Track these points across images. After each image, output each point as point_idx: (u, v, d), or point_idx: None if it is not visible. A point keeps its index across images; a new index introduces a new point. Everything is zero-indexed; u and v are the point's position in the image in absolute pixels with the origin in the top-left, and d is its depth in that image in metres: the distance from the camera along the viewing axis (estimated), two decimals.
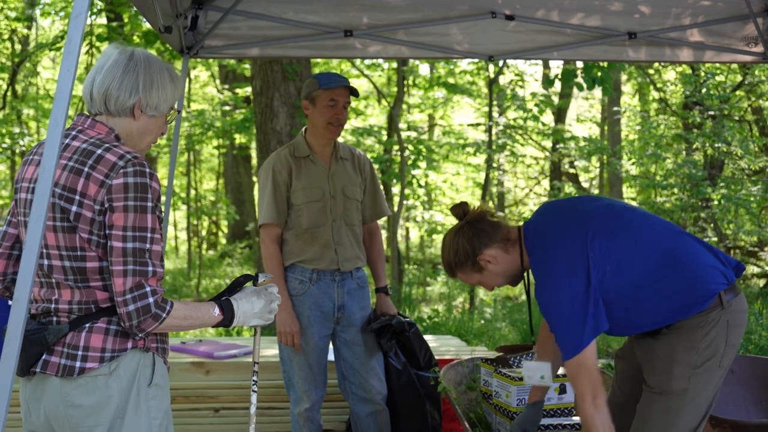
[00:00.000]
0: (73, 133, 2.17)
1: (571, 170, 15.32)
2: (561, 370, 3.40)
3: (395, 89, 12.67)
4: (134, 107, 2.20)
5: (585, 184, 15.96)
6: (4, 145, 12.17)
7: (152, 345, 2.19)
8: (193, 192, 14.44)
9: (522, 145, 15.04)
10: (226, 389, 4.43)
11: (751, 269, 12.05)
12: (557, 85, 10.08)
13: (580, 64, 7.48)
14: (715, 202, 10.92)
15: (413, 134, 13.19)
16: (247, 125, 11.08)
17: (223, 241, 17.55)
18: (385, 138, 12.32)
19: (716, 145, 10.78)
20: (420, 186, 14.28)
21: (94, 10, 9.84)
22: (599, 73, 7.45)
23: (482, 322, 9.51)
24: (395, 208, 11.48)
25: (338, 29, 4.22)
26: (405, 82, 12.69)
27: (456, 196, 16.49)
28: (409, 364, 4.05)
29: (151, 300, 2.05)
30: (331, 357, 3.98)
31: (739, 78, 11.72)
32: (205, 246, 16.76)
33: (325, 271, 3.77)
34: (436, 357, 4.23)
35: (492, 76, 12.67)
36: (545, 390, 3.11)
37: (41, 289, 2.16)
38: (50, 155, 1.84)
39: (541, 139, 14.90)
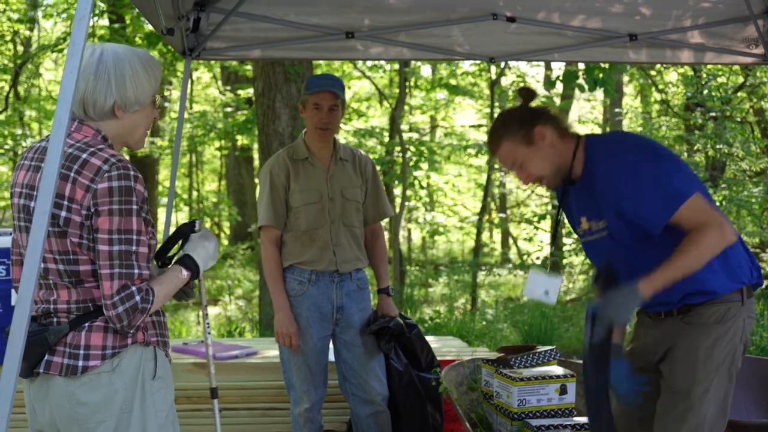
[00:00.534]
0: None
1: None
2: (561, 371, 3.41)
3: (397, 91, 12.66)
4: (113, 108, 2.18)
5: None
6: (6, 147, 12.19)
7: (152, 339, 2.22)
8: (195, 193, 14.46)
9: None
10: (228, 390, 4.44)
11: None
12: (559, 87, 10.06)
13: (581, 66, 7.47)
14: (717, 204, 10.91)
15: (415, 136, 13.20)
16: (249, 127, 11.08)
17: (225, 242, 17.55)
18: (386, 139, 12.32)
19: (718, 146, 10.78)
20: (422, 187, 14.29)
21: (97, 12, 9.85)
22: (601, 75, 7.45)
23: (484, 323, 9.52)
24: (397, 210, 11.50)
25: (340, 31, 4.23)
26: (407, 84, 12.69)
27: (457, 197, 16.49)
28: (411, 365, 4.05)
29: (137, 298, 2.08)
30: (331, 357, 3.99)
31: (740, 79, 11.71)
32: None
33: (323, 273, 3.78)
34: (438, 358, 4.23)
35: (494, 77, 12.68)
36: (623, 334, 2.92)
37: (40, 291, 2.18)
38: (53, 157, 1.85)
39: None
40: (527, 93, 2.75)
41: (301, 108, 3.85)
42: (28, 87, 15.04)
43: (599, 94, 14.24)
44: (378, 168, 4.73)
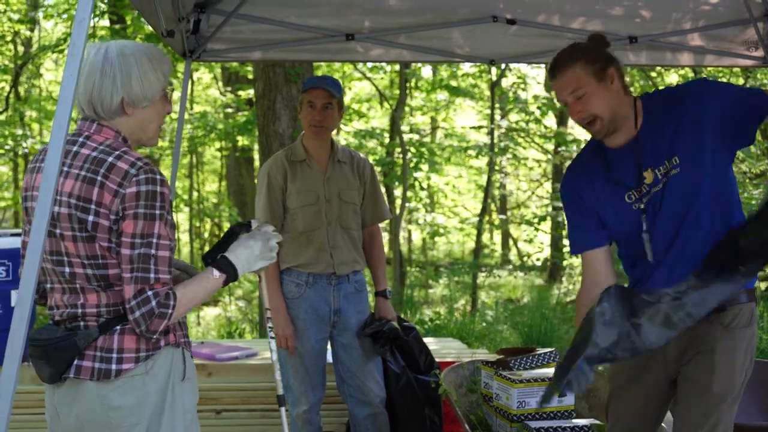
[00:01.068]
0: (80, 139, 2.16)
1: None
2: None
3: (397, 92, 12.67)
4: (123, 106, 2.17)
5: None
6: (6, 147, 12.18)
7: (181, 340, 2.22)
8: (195, 194, 14.45)
9: (524, 147, 15.03)
10: (228, 391, 4.45)
11: None
12: None
13: None
14: None
15: (415, 137, 13.19)
16: (249, 127, 11.08)
17: None
18: (387, 140, 12.33)
19: None
20: (422, 188, 14.29)
21: (97, 12, 9.85)
22: None
23: (483, 324, 9.52)
24: (397, 211, 11.50)
25: (340, 33, 4.23)
26: (407, 85, 12.70)
27: (458, 198, 16.49)
28: (409, 368, 4.05)
29: (153, 303, 2.06)
30: (329, 359, 4.00)
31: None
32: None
33: (321, 275, 3.79)
34: (437, 359, 4.24)
35: (494, 79, 12.68)
36: None
37: (64, 295, 2.16)
38: (54, 158, 1.86)
39: (543, 142, 14.90)
40: (600, 38, 2.70)
41: (299, 109, 3.87)
42: (28, 87, 15.03)
43: None
44: (378, 169, 4.73)
